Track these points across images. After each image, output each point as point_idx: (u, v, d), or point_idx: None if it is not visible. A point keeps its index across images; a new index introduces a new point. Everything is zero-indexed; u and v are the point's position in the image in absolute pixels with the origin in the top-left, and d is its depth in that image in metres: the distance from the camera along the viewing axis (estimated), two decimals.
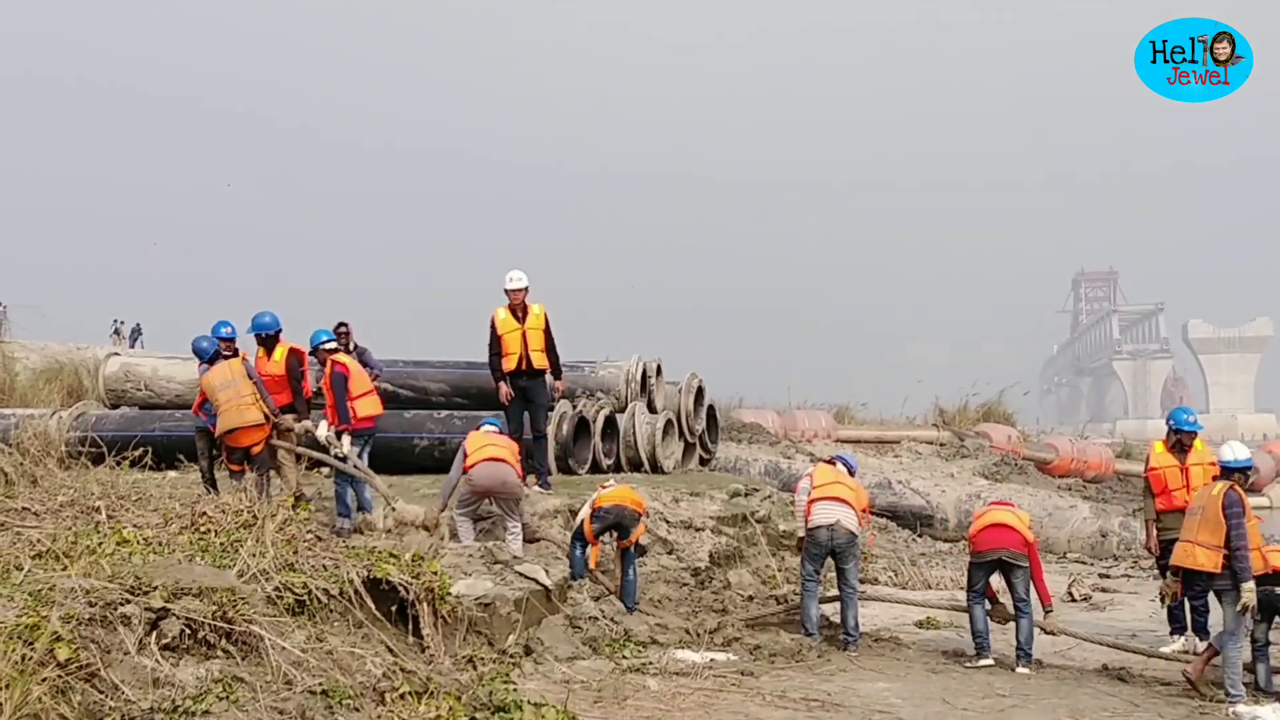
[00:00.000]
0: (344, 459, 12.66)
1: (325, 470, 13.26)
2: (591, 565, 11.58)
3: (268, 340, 13.13)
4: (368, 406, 13.12)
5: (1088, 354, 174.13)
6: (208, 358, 13.16)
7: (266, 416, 12.50)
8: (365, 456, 13.04)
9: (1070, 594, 14.27)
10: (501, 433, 12.78)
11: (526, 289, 13.69)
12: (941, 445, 26.65)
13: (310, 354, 13.14)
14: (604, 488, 11.86)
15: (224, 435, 12.52)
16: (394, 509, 12.14)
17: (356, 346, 14.97)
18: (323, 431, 12.78)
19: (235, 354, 12.96)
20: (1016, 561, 10.78)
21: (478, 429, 12.64)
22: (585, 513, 11.59)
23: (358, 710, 6.82)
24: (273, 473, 12.87)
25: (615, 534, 11.56)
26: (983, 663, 10.61)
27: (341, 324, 14.86)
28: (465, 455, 12.11)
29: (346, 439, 12.70)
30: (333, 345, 13.14)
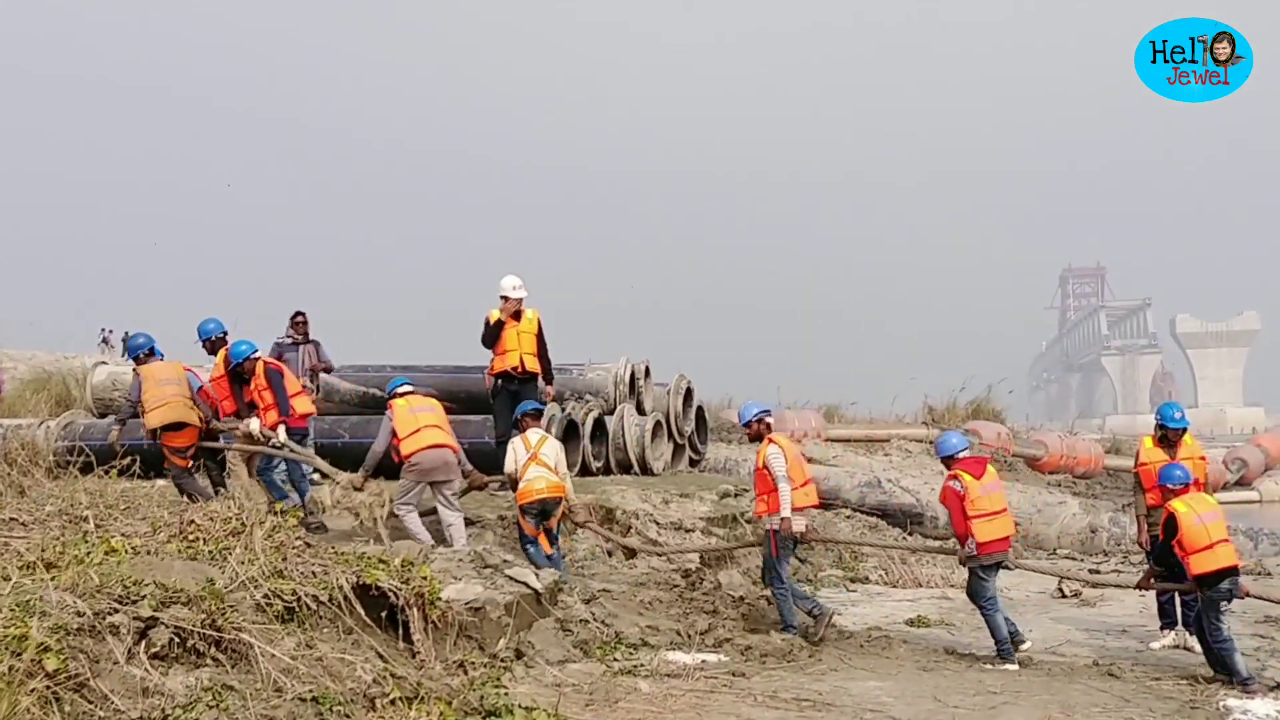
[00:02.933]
0: (282, 446, 12.74)
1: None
2: (548, 552, 11.81)
3: (213, 346, 13.34)
4: (303, 405, 13.28)
5: (1076, 350, 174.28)
6: (142, 353, 13.14)
7: (201, 420, 12.69)
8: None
9: (1060, 590, 14.29)
10: (414, 393, 12.72)
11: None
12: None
13: (235, 368, 13.04)
14: (527, 440, 12.13)
15: (161, 429, 12.55)
16: (339, 484, 12.21)
17: (311, 339, 15.04)
18: (255, 426, 12.80)
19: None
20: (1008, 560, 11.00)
21: (396, 395, 12.46)
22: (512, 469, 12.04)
23: (348, 717, 6.81)
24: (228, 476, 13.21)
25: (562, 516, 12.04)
26: (1008, 667, 10.59)
27: (299, 313, 14.98)
28: (395, 433, 12.06)
29: (282, 429, 12.77)
30: (258, 355, 13.13)
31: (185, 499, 11.91)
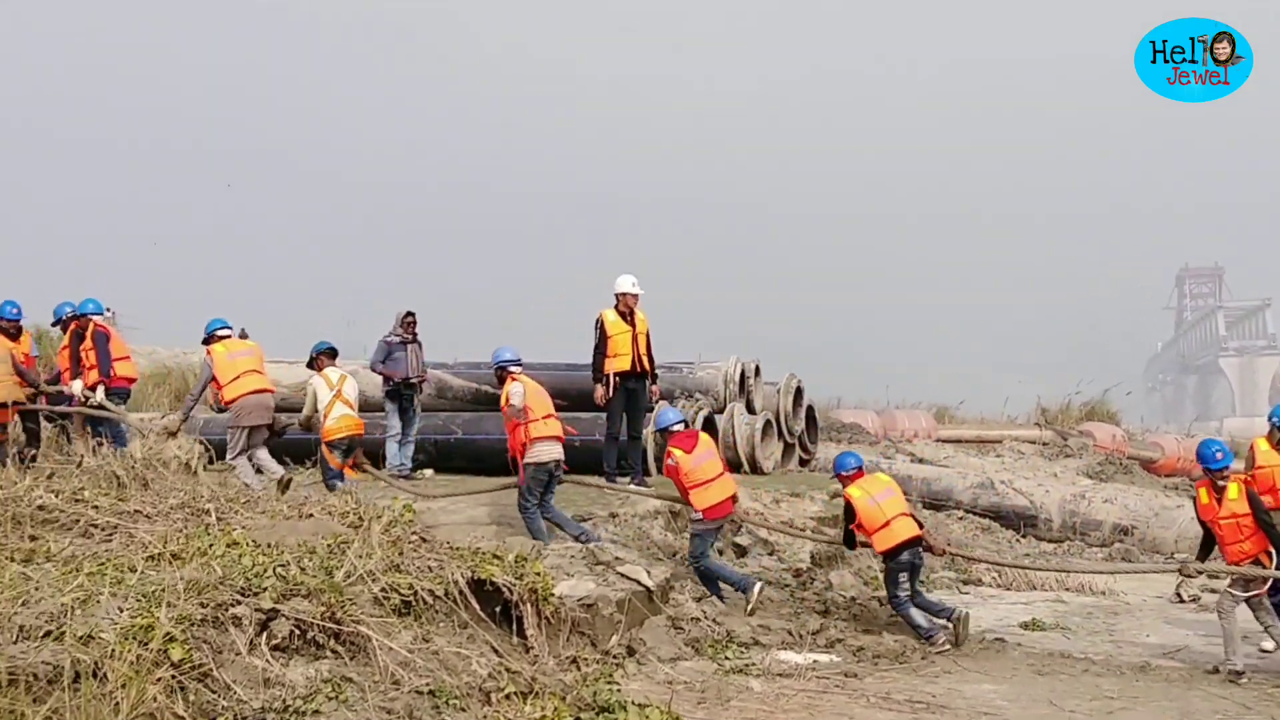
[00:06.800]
0: (99, 406, 13.64)
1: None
2: (350, 476, 12.72)
3: (64, 325, 14.63)
4: (126, 369, 14.26)
5: (1193, 351, 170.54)
6: None
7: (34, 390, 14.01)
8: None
9: (1178, 594, 14.06)
10: (231, 336, 13.45)
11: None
12: (1044, 445, 26.32)
13: (55, 324, 14.73)
14: (329, 379, 12.94)
15: None
16: (144, 436, 12.54)
17: (417, 338, 15.22)
18: (77, 387, 13.77)
19: (17, 335, 14.17)
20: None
21: (214, 338, 13.06)
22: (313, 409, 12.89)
23: (464, 710, 6.89)
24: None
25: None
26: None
27: (409, 313, 15.21)
28: (215, 378, 12.79)
29: (100, 390, 13.67)
30: (97, 316, 14.31)
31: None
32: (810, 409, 19.12)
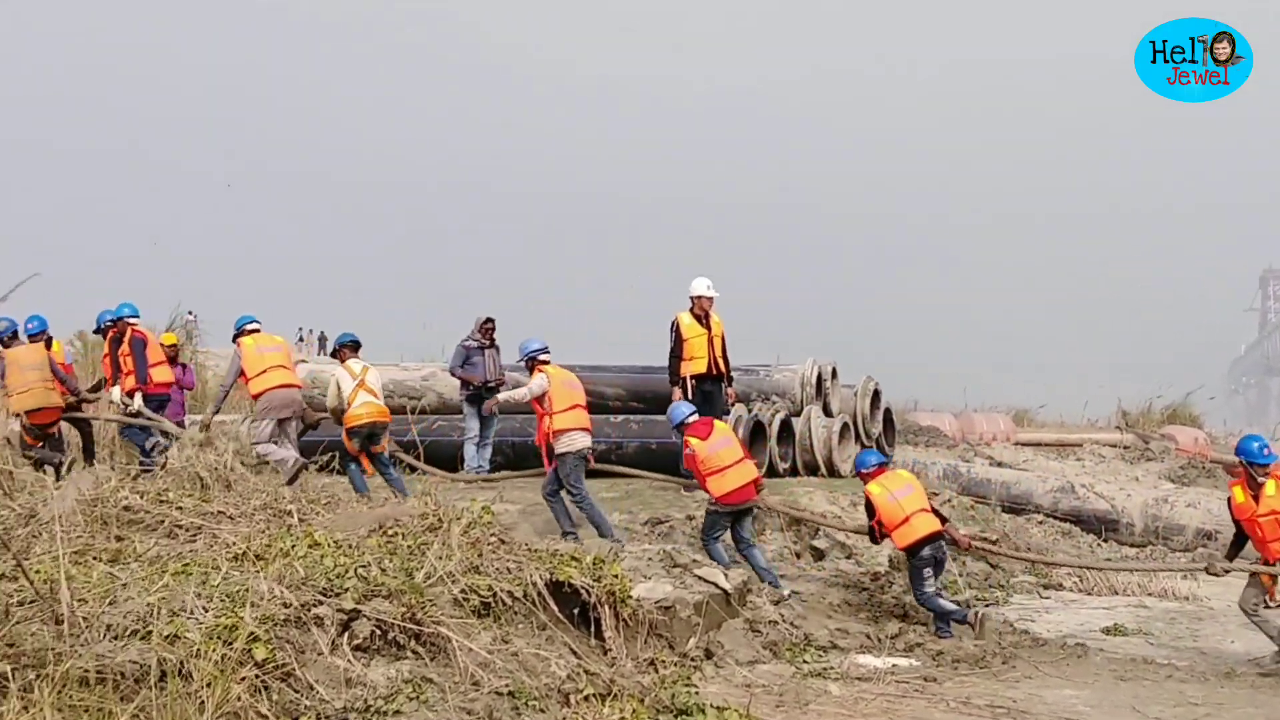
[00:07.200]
0: (137, 414, 13.80)
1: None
2: (369, 474, 12.85)
3: (105, 331, 14.54)
4: (161, 374, 14.35)
5: (1277, 353, 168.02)
6: (5, 337, 14.25)
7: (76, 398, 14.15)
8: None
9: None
10: (260, 331, 13.47)
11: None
12: (1125, 448, 26.00)
13: (96, 331, 14.77)
14: (351, 369, 12.97)
15: (28, 412, 13.52)
16: (191, 441, 12.56)
17: (495, 343, 15.31)
18: (116, 394, 13.93)
19: (47, 345, 14.26)
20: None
21: (244, 332, 13.26)
22: (337, 398, 12.90)
23: (543, 711, 6.92)
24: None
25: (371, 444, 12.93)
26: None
27: (489, 319, 15.31)
28: (243, 371, 12.98)
29: (138, 397, 13.83)
30: (134, 320, 14.30)
31: (51, 469, 12.48)
32: (888, 411, 19.02)
